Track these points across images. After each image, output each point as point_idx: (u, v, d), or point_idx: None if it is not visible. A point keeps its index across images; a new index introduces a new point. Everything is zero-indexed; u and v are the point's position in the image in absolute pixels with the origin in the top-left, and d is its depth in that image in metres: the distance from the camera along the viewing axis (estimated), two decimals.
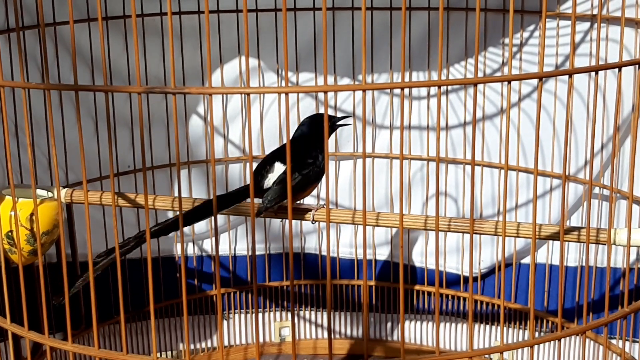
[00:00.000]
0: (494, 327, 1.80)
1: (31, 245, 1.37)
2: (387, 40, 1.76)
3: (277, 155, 1.34)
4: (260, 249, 1.85)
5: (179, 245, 1.80)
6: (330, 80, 1.77)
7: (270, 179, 1.30)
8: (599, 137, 1.62)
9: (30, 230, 1.35)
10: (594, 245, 1.59)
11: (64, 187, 1.44)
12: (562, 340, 1.61)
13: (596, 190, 1.65)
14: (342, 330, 1.90)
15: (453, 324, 1.83)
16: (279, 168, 1.31)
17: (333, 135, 1.79)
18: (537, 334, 1.76)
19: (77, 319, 1.66)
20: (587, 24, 1.63)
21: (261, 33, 1.75)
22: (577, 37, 1.64)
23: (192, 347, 1.85)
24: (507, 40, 1.71)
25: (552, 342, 1.68)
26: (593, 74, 1.06)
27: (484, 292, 1.80)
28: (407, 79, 1.77)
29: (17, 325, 1.19)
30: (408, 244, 1.83)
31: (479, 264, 1.77)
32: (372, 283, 1.86)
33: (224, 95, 1.75)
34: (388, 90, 1.78)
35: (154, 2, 1.68)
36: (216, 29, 1.73)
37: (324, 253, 1.86)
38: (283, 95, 1.69)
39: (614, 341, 1.64)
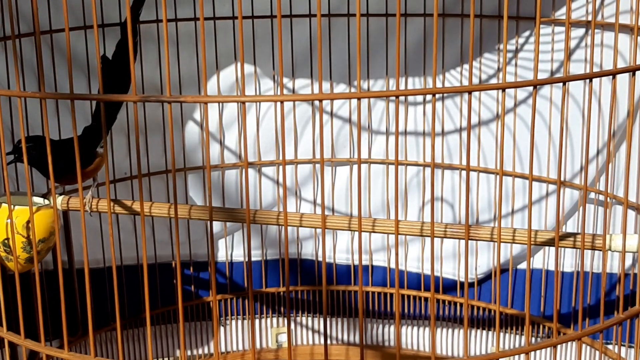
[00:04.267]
0: (490, 333, 1.80)
1: (27, 253, 1.37)
2: (383, 47, 1.76)
3: None
4: (256, 255, 1.85)
5: (175, 252, 1.80)
6: (326, 86, 1.78)
7: None
8: (594, 143, 1.63)
9: (26, 238, 1.35)
10: (590, 250, 1.59)
11: (60, 195, 1.44)
12: (558, 345, 1.61)
13: (592, 195, 1.65)
14: (339, 336, 1.90)
15: (449, 330, 1.84)
16: None
17: (329, 141, 1.80)
18: (533, 340, 1.76)
19: (74, 325, 1.66)
20: (582, 30, 1.64)
21: (257, 40, 1.75)
22: (572, 44, 1.64)
23: (188, 353, 1.85)
24: (502, 47, 1.72)
25: (548, 348, 1.68)
26: (588, 80, 1.06)
27: (480, 298, 1.80)
28: (402, 85, 1.78)
29: (13, 334, 1.19)
30: (405, 249, 1.84)
31: (475, 269, 1.78)
32: (369, 289, 1.86)
33: (220, 103, 1.75)
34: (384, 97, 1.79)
35: (149, 9, 1.68)
36: (212, 36, 1.73)
37: (321, 259, 1.86)
38: (279, 103, 1.69)
39: (610, 346, 1.64)
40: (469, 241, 1.10)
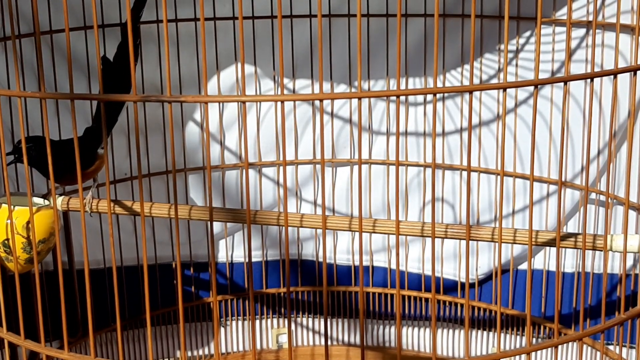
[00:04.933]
0: (491, 334, 1.80)
1: (27, 254, 1.36)
2: (384, 47, 1.76)
3: None
4: (257, 256, 1.85)
5: (175, 252, 1.80)
6: (327, 86, 1.78)
7: None
8: (595, 143, 1.62)
9: (26, 239, 1.35)
10: (591, 251, 1.59)
11: (60, 195, 1.44)
12: (560, 346, 1.61)
13: (593, 196, 1.65)
14: (340, 337, 1.90)
15: (450, 331, 1.83)
16: None
17: (329, 141, 1.80)
18: (534, 340, 1.76)
19: (74, 326, 1.66)
20: (582, 30, 1.64)
21: (257, 40, 1.75)
22: (573, 44, 1.64)
23: (189, 354, 1.85)
24: (503, 47, 1.71)
25: (549, 348, 1.68)
26: (589, 80, 1.06)
27: (481, 299, 1.80)
28: (403, 86, 1.78)
29: (13, 334, 1.19)
30: (405, 250, 1.84)
31: (476, 270, 1.77)
32: (370, 289, 1.85)
33: (221, 103, 1.75)
34: (384, 97, 1.79)
35: (150, 10, 1.68)
36: (212, 36, 1.73)
37: (321, 259, 1.86)
38: (279, 103, 1.69)
39: (611, 347, 1.64)
40: (470, 242, 1.10)
